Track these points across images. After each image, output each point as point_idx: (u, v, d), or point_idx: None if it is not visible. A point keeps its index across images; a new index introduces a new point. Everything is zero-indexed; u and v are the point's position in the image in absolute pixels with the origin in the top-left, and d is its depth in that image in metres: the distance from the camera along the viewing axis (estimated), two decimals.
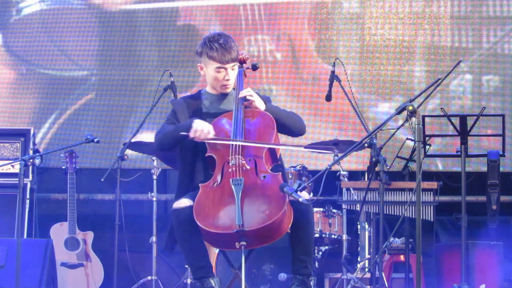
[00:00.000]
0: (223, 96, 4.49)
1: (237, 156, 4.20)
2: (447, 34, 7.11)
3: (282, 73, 7.21)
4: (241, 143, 4.23)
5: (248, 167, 4.19)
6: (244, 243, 4.00)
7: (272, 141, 4.29)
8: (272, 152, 4.32)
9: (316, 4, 7.25)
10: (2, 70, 7.56)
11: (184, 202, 4.19)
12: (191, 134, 4.22)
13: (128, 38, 7.47)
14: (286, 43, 7.27)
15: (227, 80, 4.40)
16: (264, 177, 4.17)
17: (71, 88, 7.48)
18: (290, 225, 4.12)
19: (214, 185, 4.19)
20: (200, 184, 4.23)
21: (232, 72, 4.41)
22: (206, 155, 4.30)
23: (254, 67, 4.54)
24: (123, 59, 7.44)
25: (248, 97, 4.36)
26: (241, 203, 4.03)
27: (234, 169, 4.17)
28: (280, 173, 4.23)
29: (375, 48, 7.18)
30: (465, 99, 7.08)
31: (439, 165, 6.98)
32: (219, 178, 4.20)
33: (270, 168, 4.26)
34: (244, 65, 4.51)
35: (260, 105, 4.38)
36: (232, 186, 4.10)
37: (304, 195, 4.13)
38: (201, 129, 4.22)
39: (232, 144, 4.23)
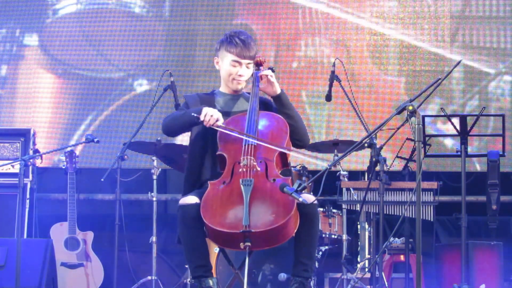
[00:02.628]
0: (237, 96, 4.51)
1: (248, 156, 4.19)
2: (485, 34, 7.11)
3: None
4: (250, 139, 4.22)
5: (258, 169, 4.18)
6: (249, 244, 4.00)
7: (284, 145, 4.29)
8: (283, 156, 4.31)
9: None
10: (39, 71, 7.56)
11: (191, 199, 4.18)
12: (202, 117, 4.22)
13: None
14: (342, 48, 7.23)
15: (240, 76, 4.42)
16: (274, 180, 4.16)
17: (108, 89, 7.48)
18: (296, 230, 4.12)
19: (223, 184, 4.18)
20: (209, 182, 4.23)
21: (246, 70, 4.43)
22: (217, 153, 4.30)
23: (271, 71, 4.55)
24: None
25: (269, 77, 4.37)
26: (249, 204, 4.03)
27: (244, 169, 4.16)
28: (290, 178, 4.23)
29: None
30: (505, 101, 7.07)
31: (477, 166, 6.97)
32: (228, 177, 4.20)
33: (280, 171, 4.26)
34: (261, 67, 4.51)
35: (277, 88, 4.40)
36: (242, 187, 4.09)
37: (309, 198, 4.13)
38: (211, 114, 4.23)
39: (244, 145, 4.23)
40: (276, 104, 4.43)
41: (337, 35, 7.25)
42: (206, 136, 4.37)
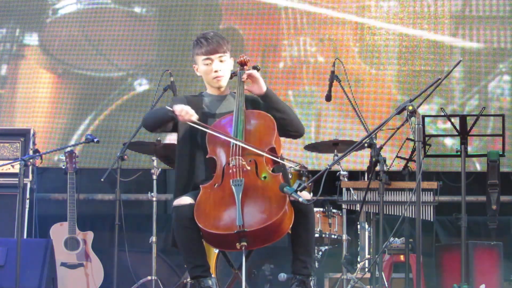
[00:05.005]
0: (223, 97, 4.51)
1: (237, 157, 4.20)
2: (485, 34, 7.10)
3: (323, 74, 7.09)
4: (220, 135, 4.24)
5: (248, 168, 4.19)
6: (245, 243, 4.00)
7: (273, 142, 4.28)
8: (273, 153, 4.31)
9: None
10: (39, 71, 7.56)
11: (185, 200, 4.19)
12: (177, 112, 4.25)
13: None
14: (328, 45, 7.23)
15: (216, 71, 4.43)
16: (265, 177, 4.17)
17: (108, 89, 7.48)
18: (291, 226, 4.12)
19: (215, 186, 4.19)
20: (201, 186, 4.23)
21: (220, 64, 4.43)
22: (207, 156, 4.30)
23: (255, 69, 4.55)
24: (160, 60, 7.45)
25: (254, 74, 4.38)
26: (241, 204, 4.03)
27: (234, 170, 4.17)
28: (281, 174, 4.22)
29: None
30: (504, 101, 7.06)
31: (477, 166, 6.97)
32: (220, 179, 4.20)
33: (271, 169, 4.26)
34: (245, 67, 4.52)
35: (263, 86, 4.41)
36: (233, 187, 4.10)
37: (305, 196, 4.13)
38: (186, 110, 4.25)
39: (232, 145, 4.23)
40: (265, 102, 4.44)
41: (336, 35, 7.25)
42: (194, 137, 4.37)
